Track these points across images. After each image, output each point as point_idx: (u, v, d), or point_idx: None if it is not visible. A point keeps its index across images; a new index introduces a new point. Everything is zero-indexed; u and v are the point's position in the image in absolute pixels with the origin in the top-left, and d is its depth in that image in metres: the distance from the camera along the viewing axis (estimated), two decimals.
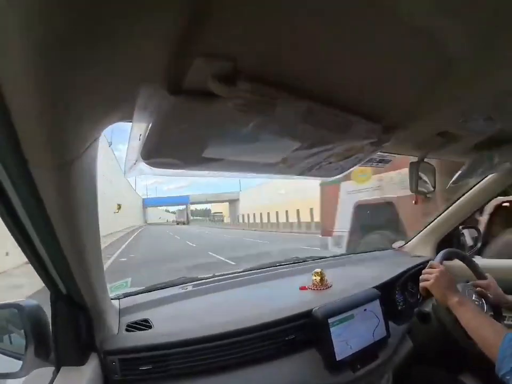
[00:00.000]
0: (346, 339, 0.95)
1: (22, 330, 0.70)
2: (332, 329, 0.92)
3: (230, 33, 0.34)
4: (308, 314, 0.95)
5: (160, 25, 0.30)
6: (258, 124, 0.45)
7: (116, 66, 0.34)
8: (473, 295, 1.03)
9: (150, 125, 0.41)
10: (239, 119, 0.43)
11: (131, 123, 0.42)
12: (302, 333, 0.94)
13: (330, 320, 0.93)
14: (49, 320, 0.70)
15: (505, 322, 1.12)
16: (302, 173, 0.71)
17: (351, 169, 0.80)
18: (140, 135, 0.42)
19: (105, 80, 0.36)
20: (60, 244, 0.54)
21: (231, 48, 0.36)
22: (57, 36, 0.28)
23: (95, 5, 0.26)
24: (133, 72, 0.36)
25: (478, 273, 1.14)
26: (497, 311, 1.06)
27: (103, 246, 0.73)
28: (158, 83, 0.38)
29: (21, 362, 0.68)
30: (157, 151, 0.46)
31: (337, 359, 0.91)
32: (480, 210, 2.70)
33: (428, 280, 0.93)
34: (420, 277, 0.99)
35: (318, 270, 1.16)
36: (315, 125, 0.51)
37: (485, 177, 1.32)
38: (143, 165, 0.47)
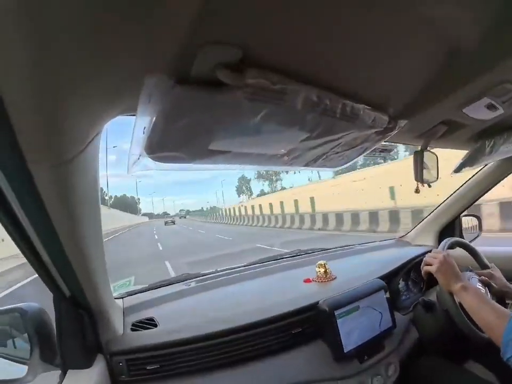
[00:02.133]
0: (353, 330, 0.95)
1: (26, 335, 0.68)
2: (338, 321, 0.92)
3: (237, 20, 0.33)
4: (313, 307, 0.95)
5: (167, 13, 0.29)
6: (267, 113, 0.44)
7: (119, 56, 0.32)
8: (477, 284, 1.03)
9: (155, 117, 0.39)
10: (247, 108, 0.42)
11: (134, 116, 0.41)
12: (309, 325, 0.94)
13: (336, 312, 0.93)
14: (53, 323, 0.69)
15: (509, 309, 1.12)
16: (307, 164, 0.70)
17: (355, 159, 0.79)
18: (144, 128, 0.40)
19: (108, 71, 0.34)
20: (61, 244, 0.52)
21: (239, 35, 0.35)
22: (57, 25, 0.26)
23: None
24: (138, 62, 0.34)
25: (482, 263, 1.13)
26: (500, 299, 1.06)
27: None
28: (165, 73, 0.36)
29: (26, 367, 0.67)
30: (162, 145, 0.44)
31: (345, 351, 0.91)
32: None
33: (431, 265, 0.93)
34: (423, 260, 0.99)
35: (322, 262, 1.16)
36: (324, 114, 0.50)
37: (486, 165, 1.31)
38: (147, 160, 0.45)
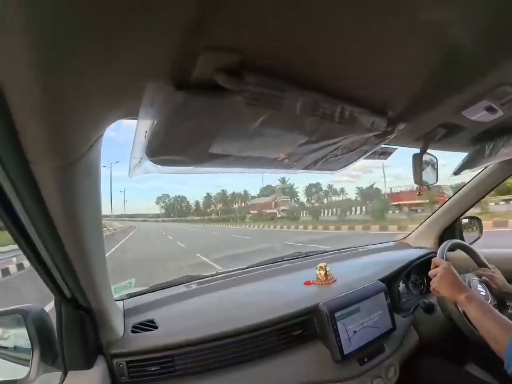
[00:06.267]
0: (353, 333, 0.95)
1: (27, 336, 0.69)
2: (338, 323, 0.92)
3: (236, 25, 0.33)
4: (313, 309, 0.95)
5: (166, 19, 0.29)
6: (267, 118, 0.45)
7: (120, 62, 0.33)
8: (478, 285, 1.03)
9: (156, 122, 0.40)
10: (246, 113, 0.43)
11: (135, 120, 0.41)
12: (309, 327, 0.94)
13: (336, 314, 0.93)
14: (54, 324, 0.69)
15: (509, 311, 1.12)
16: (307, 167, 0.70)
17: (355, 162, 0.80)
18: (146, 132, 0.41)
19: (110, 76, 0.35)
20: (63, 246, 0.53)
21: (237, 41, 0.35)
22: (60, 33, 0.27)
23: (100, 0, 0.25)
24: (139, 68, 0.35)
25: (480, 262, 1.14)
26: (501, 301, 1.07)
27: None
28: (165, 78, 0.37)
29: (27, 368, 0.68)
30: (163, 148, 0.45)
31: (345, 353, 0.91)
32: None
33: (435, 276, 0.92)
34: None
35: (322, 264, 1.16)
36: (323, 118, 0.51)
37: (486, 167, 1.32)
38: (148, 163, 0.46)
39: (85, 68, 0.32)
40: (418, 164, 0.88)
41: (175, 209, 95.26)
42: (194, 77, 0.37)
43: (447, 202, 1.50)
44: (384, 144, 0.86)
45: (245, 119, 0.44)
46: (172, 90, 0.37)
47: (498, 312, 0.78)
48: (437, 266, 0.94)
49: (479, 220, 1.53)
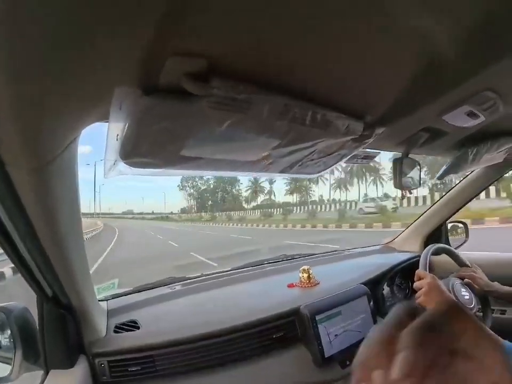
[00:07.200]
0: (335, 336, 0.96)
1: (10, 334, 0.69)
2: (319, 326, 0.93)
3: (202, 31, 0.34)
4: (295, 311, 0.96)
5: (133, 26, 0.30)
6: (234, 122, 0.45)
7: (89, 67, 0.34)
8: (461, 289, 1.04)
9: (127, 125, 0.41)
10: (214, 117, 0.43)
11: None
12: (290, 330, 0.95)
13: (317, 317, 0.94)
14: (37, 323, 0.70)
15: (494, 315, 1.14)
16: (283, 170, 0.71)
17: (334, 166, 0.81)
18: (117, 135, 0.42)
19: (80, 81, 0.36)
20: (42, 245, 0.54)
21: (203, 46, 0.36)
22: (30, 37, 0.28)
23: (69, 7, 0.26)
24: (107, 73, 0.36)
25: (461, 263, 1.17)
26: (485, 302, 1.08)
27: None
28: (132, 84, 0.37)
29: (9, 366, 0.68)
30: (136, 151, 0.46)
31: (326, 356, 0.92)
32: None
33: (421, 289, 0.93)
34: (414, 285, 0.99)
35: (305, 267, 1.17)
36: (293, 122, 0.50)
37: (472, 172, 1.33)
38: (122, 165, 0.47)
39: (57, 72, 0.33)
40: (399, 168, 0.89)
41: (220, 200, 59.15)
42: (162, 82, 0.38)
43: (433, 206, 1.52)
44: (366, 148, 0.87)
45: (211, 122, 0.45)
46: (139, 94, 0.38)
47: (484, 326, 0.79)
48: (420, 278, 0.95)
49: (465, 224, 1.55)
